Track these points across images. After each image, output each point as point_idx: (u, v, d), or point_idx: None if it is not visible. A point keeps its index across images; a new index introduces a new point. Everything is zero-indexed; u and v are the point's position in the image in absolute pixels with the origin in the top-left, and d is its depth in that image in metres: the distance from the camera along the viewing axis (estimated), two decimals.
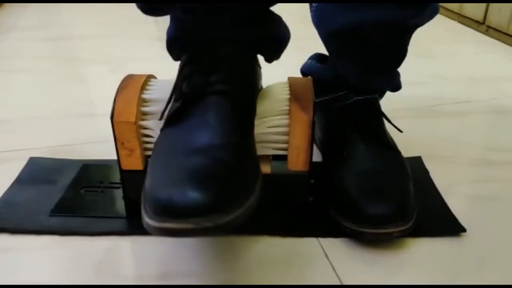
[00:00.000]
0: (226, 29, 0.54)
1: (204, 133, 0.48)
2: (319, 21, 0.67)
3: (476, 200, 0.67)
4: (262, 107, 0.57)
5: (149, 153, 0.60)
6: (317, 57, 0.77)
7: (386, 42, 0.65)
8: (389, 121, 0.68)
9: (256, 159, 0.52)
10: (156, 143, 0.52)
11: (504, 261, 0.57)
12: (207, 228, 0.42)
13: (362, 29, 0.62)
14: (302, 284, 0.54)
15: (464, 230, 0.60)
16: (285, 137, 0.57)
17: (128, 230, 0.61)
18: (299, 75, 0.78)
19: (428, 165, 0.73)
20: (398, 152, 0.66)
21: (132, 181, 0.61)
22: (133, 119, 0.56)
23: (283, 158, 0.58)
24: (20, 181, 0.69)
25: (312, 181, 0.60)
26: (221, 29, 0.54)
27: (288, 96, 0.58)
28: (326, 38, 0.69)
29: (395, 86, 0.71)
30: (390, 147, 0.66)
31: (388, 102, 0.72)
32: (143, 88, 0.59)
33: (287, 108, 0.57)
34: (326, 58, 0.75)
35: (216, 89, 0.51)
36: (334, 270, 0.55)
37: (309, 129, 0.56)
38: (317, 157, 0.67)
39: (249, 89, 0.56)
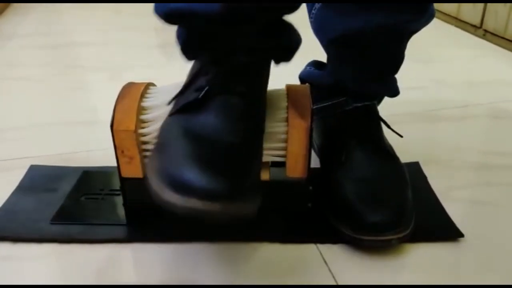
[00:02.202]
0: (246, 39, 0.55)
1: (224, 130, 0.50)
2: (318, 28, 0.68)
3: (474, 205, 0.68)
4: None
5: None
6: (315, 64, 0.78)
7: (385, 47, 0.66)
8: (388, 126, 0.69)
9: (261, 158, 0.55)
10: (164, 128, 0.53)
11: (502, 266, 0.57)
12: (230, 214, 0.43)
13: (361, 35, 0.63)
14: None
15: (462, 235, 0.60)
16: (283, 144, 0.57)
17: (129, 237, 0.61)
18: (298, 81, 0.78)
19: (426, 169, 0.73)
20: (397, 159, 0.66)
21: (132, 188, 0.61)
22: (132, 128, 0.57)
23: (282, 164, 0.59)
24: (21, 189, 0.70)
25: (311, 187, 0.60)
26: (242, 39, 0.55)
27: (286, 104, 0.58)
28: (325, 44, 0.69)
29: (394, 91, 0.72)
30: (389, 153, 0.66)
31: (386, 106, 0.72)
32: (142, 96, 0.59)
33: (285, 115, 0.57)
34: (324, 65, 0.76)
35: (236, 91, 0.53)
36: (333, 276, 0.55)
37: (307, 136, 0.56)
38: (315, 163, 0.68)
39: (263, 92, 0.58)
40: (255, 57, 0.54)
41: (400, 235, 0.57)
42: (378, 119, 0.69)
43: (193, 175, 0.43)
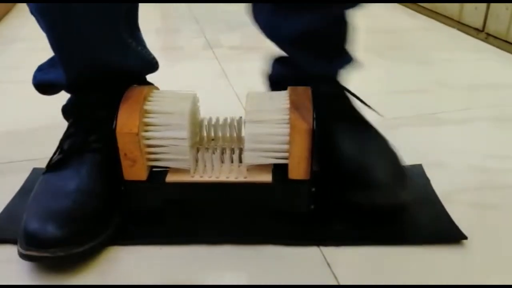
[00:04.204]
0: (103, 98, 0.65)
1: (75, 181, 0.60)
2: (269, 36, 0.72)
3: (477, 207, 0.67)
4: (262, 116, 0.58)
5: (152, 163, 0.60)
6: (276, 60, 0.78)
7: (333, 31, 0.70)
8: (362, 101, 0.71)
9: (115, 202, 0.62)
10: (37, 184, 0.63)
11: (506, 268, 0.57)
12: (60, 257, 0.54)
13: (307, 30, 0.66)
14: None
15: (465, 237, 0.60)
16: (285, 146, 0.57)
17: (131, 239, 0.61)
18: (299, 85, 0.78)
19: (429, 172, 0.73)
20: (370, 125, 0.70)
21: (134, 191, 0.61)
22: (135, 130, 0.57)
23: (284, 167, 0.59)
24: (23, 192, 0.70)
25: (313, 189, 0.60)
26: (99, 98, 0.66)
27: (288, 106, 0.58)
28: (279, 46, 0.73)
29: (350, 61, 0.74)
30: (367, 123, 0.69)
31: (388, 110, 0.72)
32: (145, 99, 0.60)
33: (287, 117, 0.57)
34: (284, 58, 0.77)
35: (92, 148, 0.63)
36: (336, 278, 0.55)
37: (309, 138, 0.56)
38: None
39: None
40: (111, 112, 0.59)
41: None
42: (344, 93, 0.71)
43: (31, 228, 0.55)
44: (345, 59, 0.73)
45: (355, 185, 0.61)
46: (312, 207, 0.62)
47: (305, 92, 0.61)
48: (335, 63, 0.72)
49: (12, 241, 0.60)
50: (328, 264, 0.57)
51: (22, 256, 0.55)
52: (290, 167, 0.58)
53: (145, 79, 0.73)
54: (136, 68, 0.68)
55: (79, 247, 0.55)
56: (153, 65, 0.71)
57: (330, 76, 0.72)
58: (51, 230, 0.55)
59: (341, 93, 0.71)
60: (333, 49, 0.71)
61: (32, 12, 0.62)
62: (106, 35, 0.62)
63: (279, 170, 0.60)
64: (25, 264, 0.57)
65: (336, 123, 0.67)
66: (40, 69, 0.72)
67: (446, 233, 0.61)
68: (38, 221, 0.56)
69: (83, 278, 0.56)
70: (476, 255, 0.59)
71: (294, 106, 0.58)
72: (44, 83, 0.70)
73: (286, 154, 0.58)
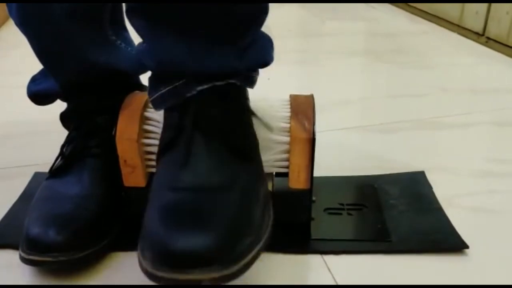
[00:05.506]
0: (98, 103, 0.65)
1: (76, 187, 0.60)
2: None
3: (479, 213, 0.67)
4: (263, 121, 0.58)
5: (152, 170, 0.60)
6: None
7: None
8: (253, 113, 0.55)
9: (117, 207, 0.62)
10: (39, 190, 0.63)
11: (508, 277, 0.57)
12: (62, 261, 0.54)
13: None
14: None
15: (467, 246, 0.60)
16: (286, 155, 0.57)
17: (130, 245, 0.61)
18: (300, 91, 0.78)
19: (429, 177, 0.73)
20: (252, 161, 0.52)
21: (134, 197, 0.61)
22: (135, 137, 0.57)
23: (285, 175, 0.59)
24: (25, 196, 0.70)
25: (314, 198, 0.60)
26: (94, 104, 0.65)
27: (289, 114, 0.58)
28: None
29: (258, 61, 0.53)
30: (242, 153, 0.51)
31: (388, 114, 0.72)
32: (146, 106, 0.60)
33: (287, 125, 0.57)
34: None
35: (92, 153, 0.63)
36: (336, 283, 0.56)
37: (309, 147, 0.56)
38: (320, 172, 0.68)
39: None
40: (109, 117, 0.60)
41: (215, 275, 0.40)
42: (238, 105, 0.52)
43: (33, 233, 0.55)
44: (242, 55, 0.51)
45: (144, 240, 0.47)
46: (313, 217, 0.62)
47: (306, 100, 0.61)
48: (223, 56, 0.50)
49: (14, 246, 0.60)
50: (330, 271, 0.57)
51: (24, 260, 0.55)
52: (290, 176, 0.58)
53: (139, 80, 0.72)
54: (128, 68, 0.67)
55: (80, 252, 0.56)
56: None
57: (207, 73, 0.50)
58: (53, 234, 0.54)
59: (225, 100, 0.51)
60: (218, 32, 0.49)
61: (17, 25, 0.61)
62: (92, 36, 0.62)
63: (280, 179, 0.60)
64: (26, 269, 0.57)
65: (196, 136, 0.49)
66: (34, 79, 0.71)
67: (448, 242, 0.61)
68: (40, 225, 0.56)
69: (84, 283, 0.56)
70: (478, 261, 0.59)
71: (295, 114, 0.58)
72: (39, 94, 0.70)
73: (286, 163, 0.58)
